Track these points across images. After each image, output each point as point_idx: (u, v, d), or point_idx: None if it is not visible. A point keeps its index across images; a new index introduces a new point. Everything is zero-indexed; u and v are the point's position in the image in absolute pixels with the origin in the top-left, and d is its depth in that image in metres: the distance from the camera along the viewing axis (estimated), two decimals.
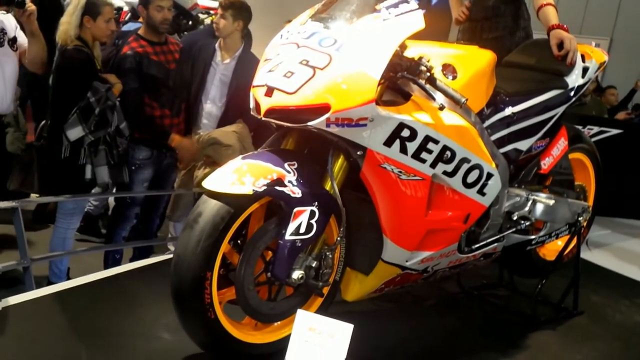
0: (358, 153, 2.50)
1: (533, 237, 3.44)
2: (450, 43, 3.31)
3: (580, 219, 3.58)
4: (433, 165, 2.68)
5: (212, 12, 7.71)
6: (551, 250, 3.76)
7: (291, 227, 2.44)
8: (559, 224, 3.54)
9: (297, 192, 2.44)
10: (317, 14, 2.67)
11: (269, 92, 2.46)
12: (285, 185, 2.42)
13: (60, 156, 4.10)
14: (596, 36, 11.46)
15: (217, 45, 4.83)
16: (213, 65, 4.75)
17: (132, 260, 4.63)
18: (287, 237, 2.44)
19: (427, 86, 2.58)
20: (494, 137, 3.04)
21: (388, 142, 2.52)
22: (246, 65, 4.68)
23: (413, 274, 2.90)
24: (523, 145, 3.23)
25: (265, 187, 2.39)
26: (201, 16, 7.81)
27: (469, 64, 2.93)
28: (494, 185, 2.95)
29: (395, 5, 2.53)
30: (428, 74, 2.56)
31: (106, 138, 4.14)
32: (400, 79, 2.59)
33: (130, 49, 4.41)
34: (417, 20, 2.54)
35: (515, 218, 3.24)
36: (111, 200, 5.70)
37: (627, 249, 6.01)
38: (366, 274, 2.81)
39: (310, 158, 2.63)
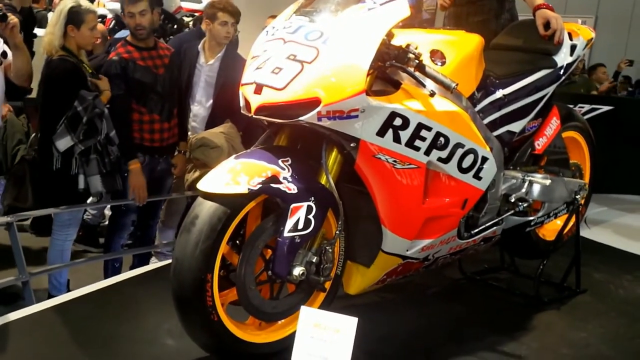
0: (351, 145, 2.48)
1: (532, 218, 3.44)
2: (436, 29, 3.29)
3: (577, 197, 3.58)
4: (427, 152, 2.67)
5: (196, 14, 7.70)
6: (550, 230, 3.75)
7: (289, 223, 2.43)
8: (557, 203, 3.54)
9: (292, 188, 2.42)
10: (302, 8, 2.65)
11: (258, 89, 2.44)
12: (280, 182, 2.41)
13: (52, 168, 4.07)
14: (581, 14, 11.47)
15: (200, 46, 4.81)
16: (197, 67, 4.73)
17: (132, 268, 4.60)
18: (286, 234, 2.43)
19: (417, 73, 2.57)
20: (486, 121, 3.03)
21: (381, 132, 2.51)
22: (230, 65, 4.68)
23: (414, 262, 2.89)
24: (516, 126, 3.22)
25: (260, 185, 2.37)
26: (185, 19, 7.79)
27: (457, 49, 2.92)
28: (490, 169, 2.94)
29: None
30: (417, 61, 2.55)
31: (97, 147, 4.11)
32: (389, 68, 2.58)
33: (116, 55, 4.39)
34: (402, 8, 2.53)
35: (512, 200, 3.23)
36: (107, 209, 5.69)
37: (625, 225, 6.03)
38: (367, 266, 2.80)
39: (303, 153, 2.62)
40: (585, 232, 4.58)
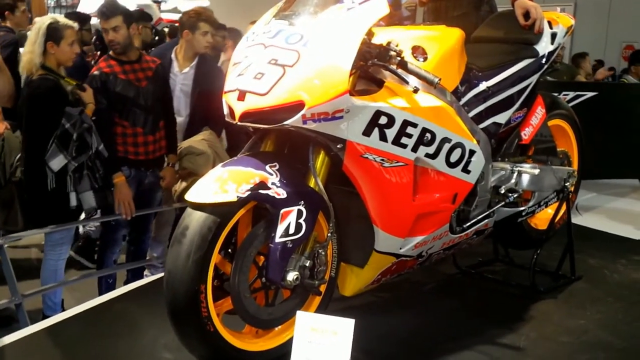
0: (338, 146, 2.47)
1: (523, 208, 3.44)
2: (417, 25, 3.29)
3: (567, 184, 3.58)
4: (414, 149, 2.66)
5: (177, 24, 7.68)
6: (542, 219, 3.75)
7: (280, 229, 2.41)
8: (547, 192, 3.54)
9: (281, 193, 2.41)
10: (281, 12, 2.63)
11: (241, 96, 2.43)
12: (268, 188, 2.39)
13: (47, 188, 4.03)
14: (560, 3, 11.53)
15: (172, 55, 4.80)
16: (171, 76, 4.72)
17: (126, 283, 4.58)
18: (277, 239, 2.41)
19: (399, 70, 2.56)
20: (471, 114, 3.03)
21: (367, 132, 2.50)
22: (206, 72, 4.69)
23: (408, 260, 2.88)
24: (501, 118, 3.21)
25: (249, 192, 2.36)
26: (167, 30, 7.79)
27: (438, 44, 2.92)
28: (478, 162, 2.94)
29: None
30: (398, 58, 2.53)
31: (88, 162, 4.09)
32: (372, 67, 2.57)
33: (97, 69, 4.38)
34: (381, 6, 2.52)
35: (502, 192, 3.23)
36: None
37: (615, 209, 6.06)
38: (361, 267, 2.79)
39: (291, 157, 2.60)
40: (577, 219, 4.59)
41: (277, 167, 2.46)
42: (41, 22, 4.15)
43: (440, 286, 3.69)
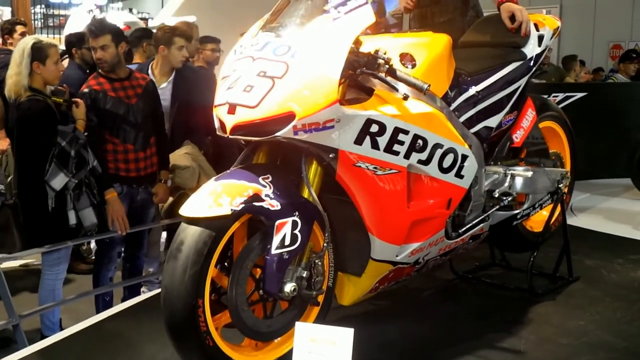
0: (330, 156, 2.47)
1: (517, 211, 3.44)
2: (404, 32, 3.30)
3: (560, 185, 3.59)
4: (407, 156, 2.67)
5: None
6: (537, 221, 3.75)
7: (275, 240, 2.41)
8: (541, 194, 3.54)
9: (275, 205, 2.41)
10: (267, 24, 2.64)
11: (232, 109, 2.43)
12: (262, 200, 2.39)
13: (47, 208, 4.02)
14: (545, 5, 11.59)
15: (149, 71, 4.82)
16: None
17: (123, 300, 4.56)
18: (273, 251, 2.41)
19: (388, 78, 2.57)
20: (462, 119, 3.03)
21: (358, 140, 2.51)
22: (183, 86, 4.73)
23: (405, 267, 2.88)
24: (492, 122, 3.22)
25: (243, 205, 2.36)
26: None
27: (426, 50, 2.92)
28: (470, 166, 2.94)
29: (344, 3, 2.52)
30: (387, 66, 2.54)
31: (85, 179, 4.08)
32: (361, 76, 2.57)
33: (87, 87, 4.38)
34: (367, 15, 2.53)
35: (497, 195, 3.23)
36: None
37: (609, 208, 6.07)
38: (359, 276, 2.78)
39: (283, 169, 2.60)
40: (572, 220, 4.60)
41: (270, 179, 2.46)
42: (24, 43, 4.14)
43: (438, 292, 3.68)
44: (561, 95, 6.74)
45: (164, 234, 5.46)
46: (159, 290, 3.46)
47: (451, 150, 2.83)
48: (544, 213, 3.68)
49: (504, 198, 3.25)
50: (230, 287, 2.44)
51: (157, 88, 4.71)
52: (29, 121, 4.06)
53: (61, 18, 16.99)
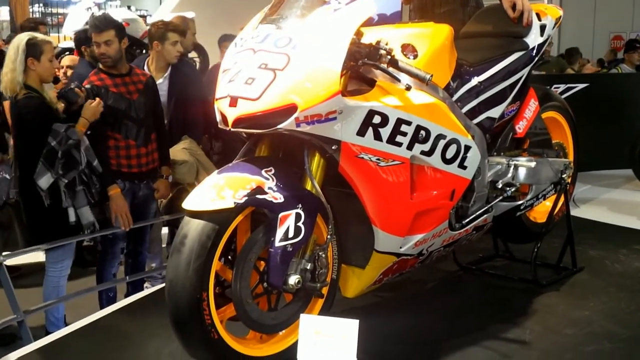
0: (333, 148, 2.47)
1: (521, 202, 3.43)
2: (405, 23, 3.29)
3: (564, 176, 3.58)
4: (410, 147, 2.66)
5: None
6: (541, 212, 3.75)
7: (279, 233, 2.40)
8: (544, 184, 3.53)
9: (279, 198, 2.40)
10: (268, 16, 2.63)
11: (233, 102, 2.42)
12: (265, 193, 2.39)
13: (43, 206, 4.01)
14: None
15: (145, 67, 4.82)
16: None
17: (126, 295, 4.57)
18: (277, 244, 2.40)
19: (390, 69, 2.56)
20: (465, 109, 3.02)
21: (361, 132, 2.50)
22: (179, 81, 4.74)
23: (409, 259, 2.87)
24: (495, 112, 3.21)
25: (246, 198, 2.35)
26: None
27: (427, 41, 2.91)
28: (474, 157, 2.94)
29: None
30: (389, 56, 2.53)
31: (82, 177, 4.07)
32: (362, 67, 2.56)
33: (89, 83, 4.38)
34: (368, 6, 2.52)
35: (500, 186, 3.22)
36: None
37: (612, 199, 6.07)
38: (362, 268, 2.78)
39: (286, 161, 2.60)
40: (575, 211, 4.59)
41: (273, 171, 2.45)
42: (19, 40, 4.12)
43: (443, 284, 3.68)
44: (563, 86, 6.72)
45: (164, 230, 5.47)
46: (162, 286, 3.48)
47: (454, 141, 2.82)
48: (547, 204, 3.66)
49: (508, 189, 3.24)
50: (234, 280, 2.44)
51: (156, 84, 4.71)
52: (26, 119, 4.06)
53: (59, 16, 17.00)
